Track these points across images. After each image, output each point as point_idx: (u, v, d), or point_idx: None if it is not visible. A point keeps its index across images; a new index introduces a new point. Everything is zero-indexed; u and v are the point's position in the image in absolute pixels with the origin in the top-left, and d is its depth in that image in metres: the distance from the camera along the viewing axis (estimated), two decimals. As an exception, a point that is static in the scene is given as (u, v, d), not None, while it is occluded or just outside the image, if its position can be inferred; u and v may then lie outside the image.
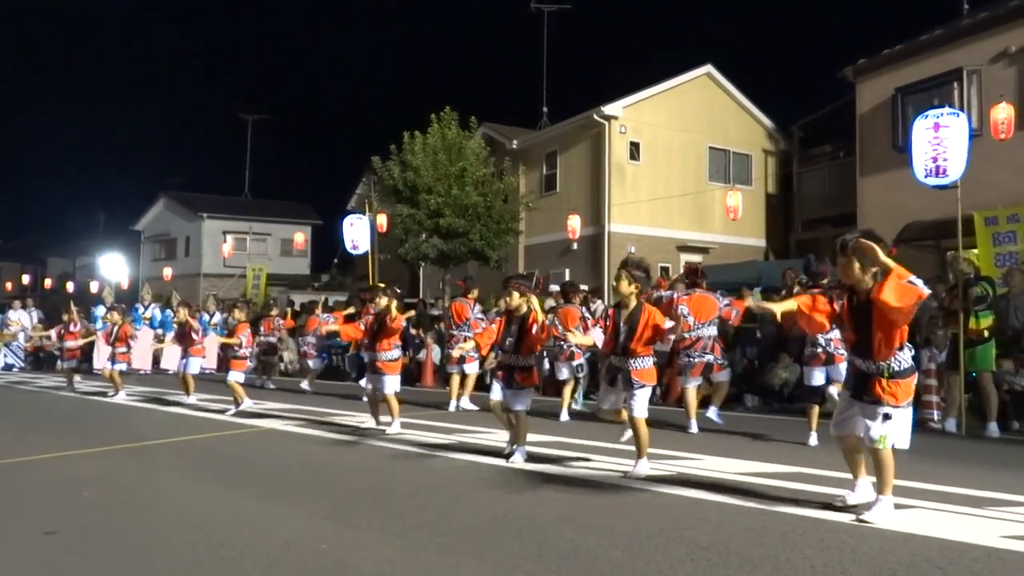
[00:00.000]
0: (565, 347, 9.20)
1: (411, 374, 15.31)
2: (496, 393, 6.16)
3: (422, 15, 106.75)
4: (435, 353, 15.41)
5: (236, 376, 9.63)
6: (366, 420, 8.06)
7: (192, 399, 10.62)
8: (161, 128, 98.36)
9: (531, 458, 5.99)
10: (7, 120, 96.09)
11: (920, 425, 8.58)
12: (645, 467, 5.35)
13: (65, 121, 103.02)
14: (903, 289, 3.79)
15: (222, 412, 9.41)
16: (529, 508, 4.44)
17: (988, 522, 4.05)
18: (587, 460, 5.98)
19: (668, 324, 5.44)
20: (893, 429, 3.99)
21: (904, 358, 4.02)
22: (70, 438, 7.43)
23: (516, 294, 6.08)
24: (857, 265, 4.04)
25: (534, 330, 5.98)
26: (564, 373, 9.39)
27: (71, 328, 14.04)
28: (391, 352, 7.65)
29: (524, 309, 6.07)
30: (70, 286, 34.93)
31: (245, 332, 10.15)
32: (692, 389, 8.01)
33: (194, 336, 10.72)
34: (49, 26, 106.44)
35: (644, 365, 5.38)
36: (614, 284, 5.50)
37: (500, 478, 5.34)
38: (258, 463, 6.21)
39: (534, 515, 4.23)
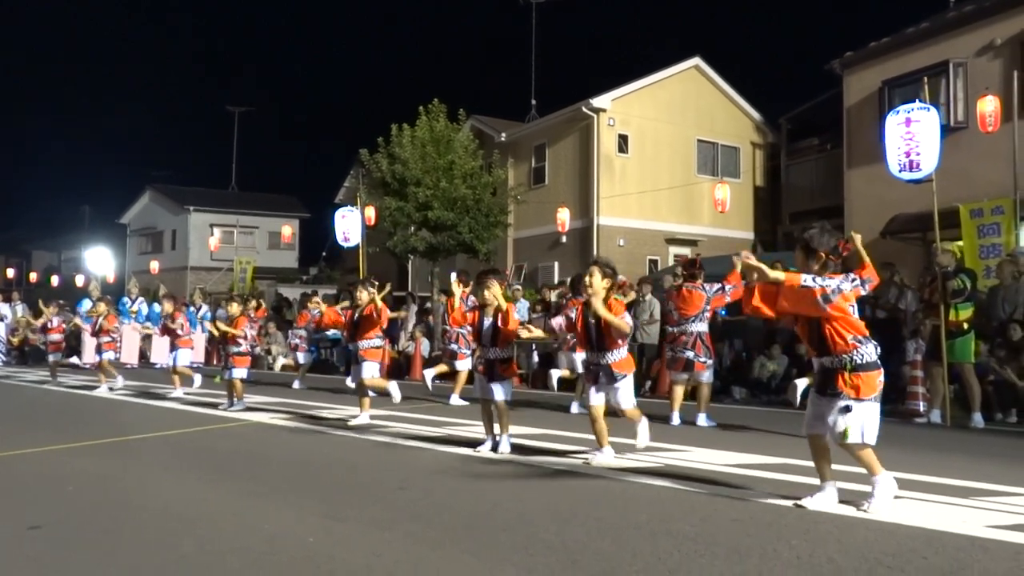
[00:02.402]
0: (570, 338, 9.17)
1: (400, 367, 15.29)
2: (480, 388, 6.21)
3: (410, 7, 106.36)
4: (424, 346, 15.39)
5: (240, 373, 9.12)
6: (357, 413, 8.04)
7: (182, 392, 10.57)
8: (146, 121, 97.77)
9: (519, 450, 6.00)
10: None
11: (906, 416, 8.67)
12: (645, 436, 5.54)
13: (49, 114, 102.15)
14: (796, 294, 3.91)
15: (213, 407, 9.35)
16: (517, 501, 4.44)
17: (973, 512, 4.07)
18: (575, 453, 5.99)
19: (627, 320, 5.43)
20: (855, 422, 3.91)
21: (867, 352, 3.97)
22: (55, 432, 7.36)
23: (495, 288, 6.12)
24: (811, 260, 4.07)
25: (509, 323, 6.06)
26: (563, 364, 9.38)
27: (53, 323, 13.95)
28: (372, 340, 7.91)
29: (496, 303, 6.11)
30: (55, 280, 34.69)
31: (245, 325, 9.59)
32: (679, 386, 8.08)
33: (179, 331, 10.69)
34: (34, 21, 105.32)
35: (620, 356, 5.47)
36: (587, 280, 5.51)
37: (488, 471, 5.35)
38: (245, 457, 6.18)
39: (522, 507, 4.23)
